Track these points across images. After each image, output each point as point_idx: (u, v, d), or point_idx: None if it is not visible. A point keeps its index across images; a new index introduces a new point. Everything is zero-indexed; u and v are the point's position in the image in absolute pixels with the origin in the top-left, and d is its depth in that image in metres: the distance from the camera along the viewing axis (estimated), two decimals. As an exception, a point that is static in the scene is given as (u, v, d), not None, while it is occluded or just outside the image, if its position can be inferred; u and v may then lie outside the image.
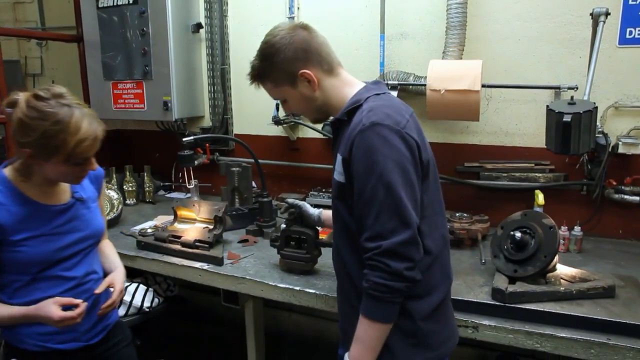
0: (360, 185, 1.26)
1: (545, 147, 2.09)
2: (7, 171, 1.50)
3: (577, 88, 2.26)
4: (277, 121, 2.86)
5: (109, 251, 1.81)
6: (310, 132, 3.00)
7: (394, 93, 2.53)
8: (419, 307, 1.33)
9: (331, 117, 1.47)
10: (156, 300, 2.45)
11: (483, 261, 2.05)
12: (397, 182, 1.22)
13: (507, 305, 1.64)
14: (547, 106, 1.96)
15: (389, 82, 2.57)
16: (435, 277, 1.36)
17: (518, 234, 1.77)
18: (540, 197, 2.24)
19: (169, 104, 3.03)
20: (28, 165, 1.47)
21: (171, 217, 2.55)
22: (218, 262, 2.12)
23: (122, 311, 2.33)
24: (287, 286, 1.91)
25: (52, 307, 1.45)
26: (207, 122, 3.37)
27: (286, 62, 1.37)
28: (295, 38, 1.37)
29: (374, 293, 1.24)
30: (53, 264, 1.53)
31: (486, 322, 1.63)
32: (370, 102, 1.32)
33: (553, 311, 1.58)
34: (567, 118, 1.84)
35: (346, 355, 1.35)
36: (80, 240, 1.60)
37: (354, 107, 1.34)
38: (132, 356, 1.86)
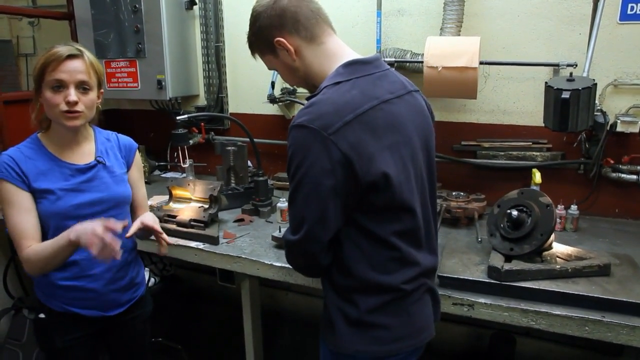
0: (287, 176, 1.29)
1: (543, 125, 2.08)
2: (39, 134, 1.67)
3: (576, 65, 2.23)
4: (272, 99, 2.82)
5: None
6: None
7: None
8: (365, 300, 1.31)
9: None
10: (152, 280, 2.45)
11: (479, 240, 2.05)
12: (300, 191, 1.22)
13: (502, 283, 1.64)
14: (546, 83, 1.94)
15: (386, 59, 2.54)
16: (392, 277, 1.30)
17: (514, 212, 1.76)
18: (537, 176, 2.23)
19: (163, 83, 2.99)
20: (40, 111, 1.62)
21: (166, 197, 2.53)
22: (214, 241, 2.12)
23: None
24: (283, 265, 1.91)
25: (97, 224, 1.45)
26: (202, 101, 3.33)
27: (263, 30, 1.34)
28: (274, 4, 1.31)
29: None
30: (72, 221, 1.56)
31: (482, 300, 1.63)
32: (321, 93, 1.24)
33: (548, 289, 1.58)
34: (565, 95, 1.82)
35: None
36: (98, 202, 1.67)
37: (314, 95, 1.28)
38: (145, 333, 1.95)
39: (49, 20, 4.12)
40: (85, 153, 1.71)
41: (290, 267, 1.84)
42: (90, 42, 3.15)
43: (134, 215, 1.84)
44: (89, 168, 1.69)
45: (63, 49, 1.55)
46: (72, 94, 1.55)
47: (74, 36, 3.28)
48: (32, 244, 1.56)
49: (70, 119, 1.58)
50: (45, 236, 1.62)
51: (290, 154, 1.22)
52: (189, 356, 2.98)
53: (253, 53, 1.44)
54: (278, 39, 1.31)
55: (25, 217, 1.57)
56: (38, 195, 1.59)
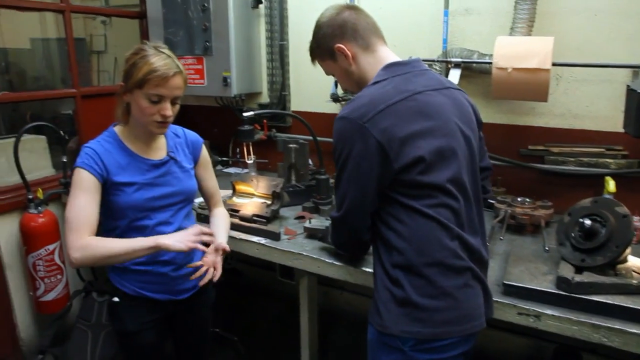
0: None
1: (618, 131, 1.98)
2: (116, 128, 1.77)
3: (659, 68, 2.11)
4: (335, 98, 2.83)
5: (220, 222, 1.94)
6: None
7: (456, 74, 2.44)
8: (411, 279, 1.36)
9: None
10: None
11: (547, 248, 1.98)
12: (344, 173, 1.40)
13: (572, 295, 1.57)
14: (628, 86, 1.84)
15: (452, 59, 2.49)
16: (433, 248, 1.35)
17: (588, 222, 1.68)
18: (611, 184, 2.12)
19: (229, 80, 3.07)
20: (124, 107, 1.70)
21: (228, 192, 2.60)
22: (275, 237, 2.15)
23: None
24: (344, 264, 1.92)
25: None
26: (264, 99, 3.39)
27: (325, 38, 1.52)
28: (336, 17, 1.51)
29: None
30: (146, 212, 1.72)
31: (549, 311, 1.57)
32: (362, 91, 1.43)
33: (624, 305, 1.50)
34: (649, 99, 1.72)
35: None
36: (171, 195, 1.78)
37: None
38: (207, 319, 2.05)
39: (119, 19, 4.31)
40: (158, 148, 1.80)
41: (351, 266, 1.90)
42: (160, 40, 3.27)
43: (208, 203, 2.01)
44: (162, 163, 1.78)
45: (166, 64, 1.60)
46: (169, 109, 1.65)
47: (145, 35, 3.42)
48: (88, 235, 1.59)
49: (160, 128, 1.70)
50: (114, 228, 1.71)
51: (335, 143, 1.41)
52: (244, 348, 3.05)
53: (313, 59, 1.63)
54: (338, 45, 1.50)
55: (92, 207, 1.62)
56: (116, 187, 1.67)
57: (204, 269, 1.68)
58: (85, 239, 1.57)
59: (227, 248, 1.76)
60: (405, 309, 1.36)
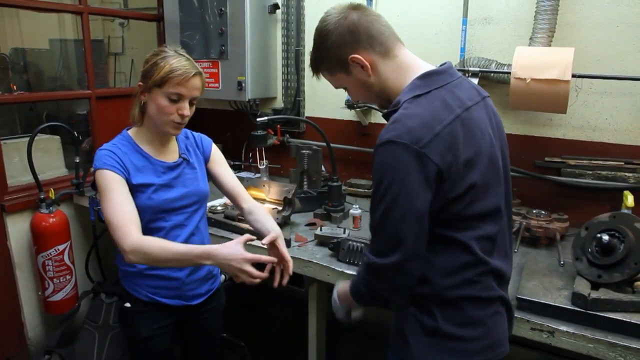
0: (372, 199, 1.24)
1: (638, 144, 1.93)
2: (130, 131, 1.77)
3: (682, 81, 2.06)
4: (350, 105, 2.81)
5: (261, 218, 1.85)
6: (383, 118, 2.93)
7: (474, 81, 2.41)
8: (443, 310, 1.26)
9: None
10: (222, 276, 2.50)
11: (562, 262, 1.93)
12: (395, 210, 1.16)
13: (588, 312, 1.53)
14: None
15: (470, 68, 2.46)
16: (469, 283, 1.26)
17: (605, 237, 1.64)
18: (629, 199, 2.07)
19: (243, 84, 3.07)
20: (140, 108, 1.70)
21: (240, 196, 2.58)
22: (286, 243, 2.11)
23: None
24: (354, 273, 1.88)
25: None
26: (279, 104, 3.39)
27: (334, 48, 1.29)
28: (343, 21, 1.27)
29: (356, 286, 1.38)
30: (162, 214, 1.71)
31: (564, 328, 1.53)
32: (402, 108, 1.21)
33: (642, 323, 1.46)
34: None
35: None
36: (185, 196, 1.78)
37: (393, 111, 1.25)
38: (218, 325, 2.04)
39: (137, 22, 4.35)
40: (171, 151, 1.80)
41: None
42: (177, 43, 3.28)
43: (236, 201, 1.92)
44: (176, 165, 1.78)
45: (191, 70, 1.61)
46: (187, 109, 1.65)
47: (162, 37, 3.44)
48: (136, 231, 1.55)
49: (176, 129, 1.70)
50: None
51: (380, 173, 1.17)
52: (251, 354, 3.02)
53: (317, 72, 1.39)
54: (353, 55, 1.27)
55: (130, 204, 1.61)
56: (135, 189, 1.66)
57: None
58: (134, 237, 1.53)
59: (276, 234, 1.67)
60: (434, 339, 1.27)
